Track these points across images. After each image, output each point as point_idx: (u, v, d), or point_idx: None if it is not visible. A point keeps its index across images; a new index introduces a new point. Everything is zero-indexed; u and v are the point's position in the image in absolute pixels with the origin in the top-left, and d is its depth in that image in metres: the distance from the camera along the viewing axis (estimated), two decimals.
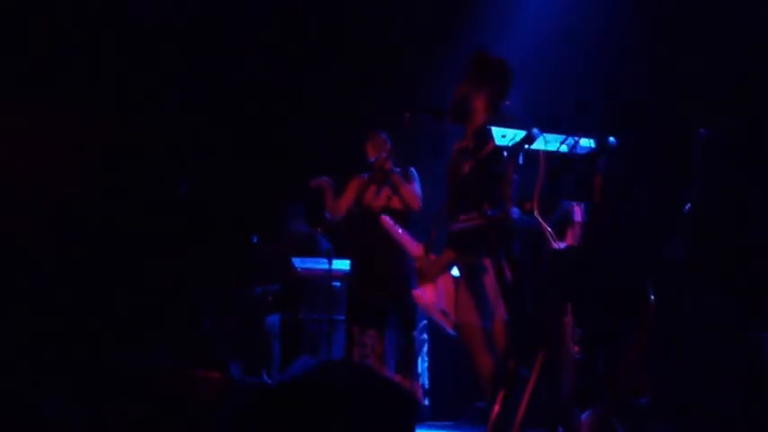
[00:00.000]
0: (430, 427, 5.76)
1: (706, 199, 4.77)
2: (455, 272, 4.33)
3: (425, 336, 5.93)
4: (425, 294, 4.27)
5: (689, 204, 4.75)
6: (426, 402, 5.91)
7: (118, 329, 6.34)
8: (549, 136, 3.86)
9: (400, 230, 4.76)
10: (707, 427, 4.38)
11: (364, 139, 5.74)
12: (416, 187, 5.55)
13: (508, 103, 4.32)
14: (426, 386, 5.92)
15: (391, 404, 3.83)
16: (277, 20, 7.46)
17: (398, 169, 5.61)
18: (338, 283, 6.29)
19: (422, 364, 5.83)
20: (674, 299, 4.42)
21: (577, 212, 5.09)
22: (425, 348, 5.93)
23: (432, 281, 4.26)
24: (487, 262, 4.06)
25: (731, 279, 4.69)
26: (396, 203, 5.53)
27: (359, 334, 5.57)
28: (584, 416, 3.84)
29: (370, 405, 3.75)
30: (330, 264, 6.25)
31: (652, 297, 3.97)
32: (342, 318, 6.06)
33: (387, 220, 4.88)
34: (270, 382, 4.59)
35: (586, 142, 3.89)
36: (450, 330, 4.22)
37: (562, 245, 4.04)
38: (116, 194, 6.87)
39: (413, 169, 5.64)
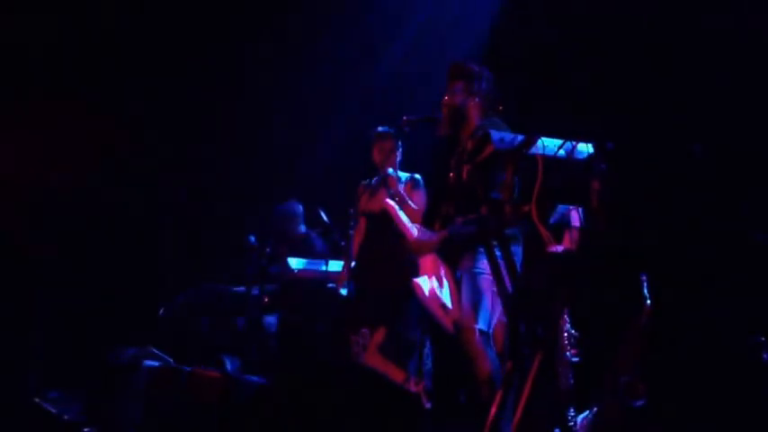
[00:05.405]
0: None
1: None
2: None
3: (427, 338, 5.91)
4: (424, 286, 4.27)
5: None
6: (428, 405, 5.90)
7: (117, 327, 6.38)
8: (548, 140, 3.88)
9: (403, 217, 4.73)
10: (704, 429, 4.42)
11: (371, 140, 5.71)
12: (420, 199, 5.51)
13: (501, 108, 4.40)
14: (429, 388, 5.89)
15: (393, 407, 3.86)
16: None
17: (406, 176, 5.58)
18: (334, 285, 6.30)
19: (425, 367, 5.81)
20: (672, 300, 4.44)
21: (575, 217, 5.09)
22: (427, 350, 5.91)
23: (427, 253, 4.27)
24: (485, 265, 4.09)
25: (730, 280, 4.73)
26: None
27: (353, 334, 5.59)
28: (580, 418, 3.87)
29: (372, 407, 3.77)
30: (326, 265, 6.26)
31: (648, 299, 4.01)
32: (337, 318, 6.07)
33: (391, 205, 4.85)
34: (268, 382, 4.61)
35: (584, 147, 3.91)
36: (448, 326, 4.23)
37: (560, 248, 4.06)
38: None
39: (418, 177, 5.62)
